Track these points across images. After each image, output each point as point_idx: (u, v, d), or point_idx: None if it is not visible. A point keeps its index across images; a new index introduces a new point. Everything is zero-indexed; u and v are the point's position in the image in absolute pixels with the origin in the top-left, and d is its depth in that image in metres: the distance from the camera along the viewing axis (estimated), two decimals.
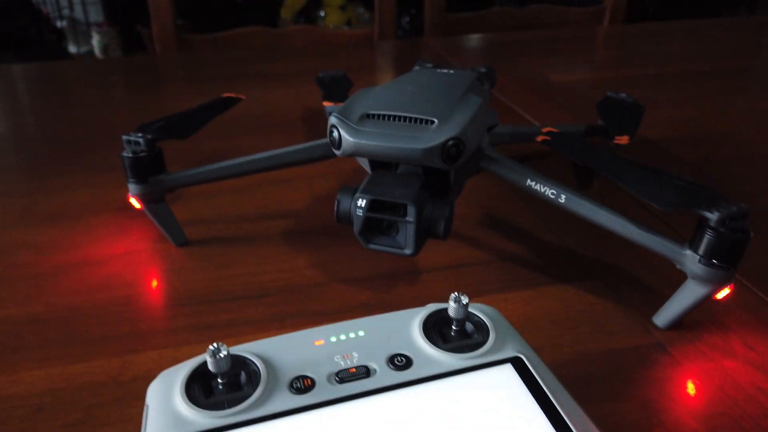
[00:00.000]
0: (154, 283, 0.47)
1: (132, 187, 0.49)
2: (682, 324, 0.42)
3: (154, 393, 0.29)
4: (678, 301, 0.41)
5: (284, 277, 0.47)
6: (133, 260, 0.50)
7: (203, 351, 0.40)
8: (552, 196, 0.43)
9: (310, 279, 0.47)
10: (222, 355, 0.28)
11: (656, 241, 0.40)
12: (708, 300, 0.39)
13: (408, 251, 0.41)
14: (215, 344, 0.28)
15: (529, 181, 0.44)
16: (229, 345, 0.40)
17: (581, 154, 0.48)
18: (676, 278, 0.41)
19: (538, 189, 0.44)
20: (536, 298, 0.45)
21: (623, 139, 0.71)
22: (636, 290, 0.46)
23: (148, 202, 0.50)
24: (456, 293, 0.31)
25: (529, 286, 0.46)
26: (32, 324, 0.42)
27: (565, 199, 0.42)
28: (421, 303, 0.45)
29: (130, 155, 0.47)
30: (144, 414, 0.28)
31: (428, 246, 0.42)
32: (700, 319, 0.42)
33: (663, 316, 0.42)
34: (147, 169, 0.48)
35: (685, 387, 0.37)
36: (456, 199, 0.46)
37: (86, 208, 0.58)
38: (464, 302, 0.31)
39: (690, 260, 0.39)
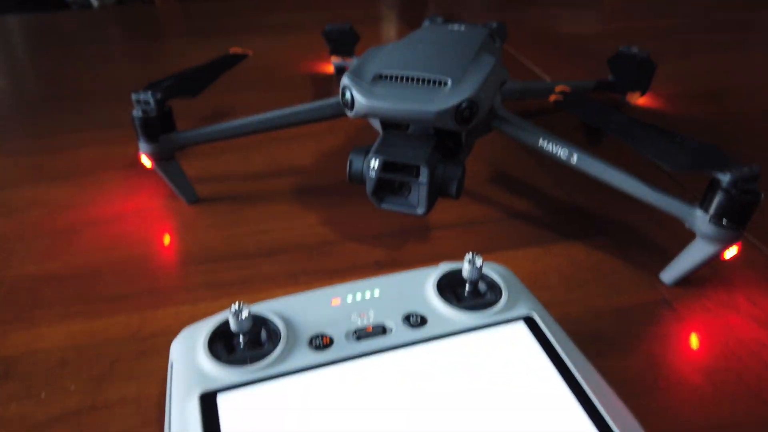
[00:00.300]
0: (168, 241, 0.48)
1: (143, 145, 0.49)
2: (688, 281, 0.43)
3: (177, 350, 0.30)
4: (685, 259, 0.42)
5: (296, 234, 0.48)
6: (146, 218, 0.50)
7: (220, 307, 0.41)
8: (564, 157, 0.43)
9: (322, 237, 0.47)
10: (244, 316, 0.29)
11: (666, 201, 0.40)
12: (715, 259, 0.40)
13: (420, 211, 0.41)
14: (237, 304, 0.29)
15: (541, 140, 0.44)
16: (245, 301, 0.42)
17: (594, 116, 0.48)
18: (685, 237, 0.41)
19: (550, 149, 0.44)
20: (545, 256, 0.46)
21: (635, 96, 0.71)
22: (644, 248, 0.47)
23: (158, 160, 0.50)
24: (470, 254, 0.32)
25: (538, 244, 0.47)
26: (51, 281, 0.43)
27: (576, 159, 0.42)
28: (433, 261, 0.45)
29: (141, 115, 0.47)
30: (169, 370, 0.29)
31: (439, 204, 0.42)
32: (707, 276, 0.43)
33: (670, 273, 0.43)
34: (157, 128, 0.48)
35: (690, 342, 0.38)
36: (467, 158, 0.46)
37: (97, 166, 0.58)
38: (478, 264, 0.32)
39: (700, 220, 0.39)
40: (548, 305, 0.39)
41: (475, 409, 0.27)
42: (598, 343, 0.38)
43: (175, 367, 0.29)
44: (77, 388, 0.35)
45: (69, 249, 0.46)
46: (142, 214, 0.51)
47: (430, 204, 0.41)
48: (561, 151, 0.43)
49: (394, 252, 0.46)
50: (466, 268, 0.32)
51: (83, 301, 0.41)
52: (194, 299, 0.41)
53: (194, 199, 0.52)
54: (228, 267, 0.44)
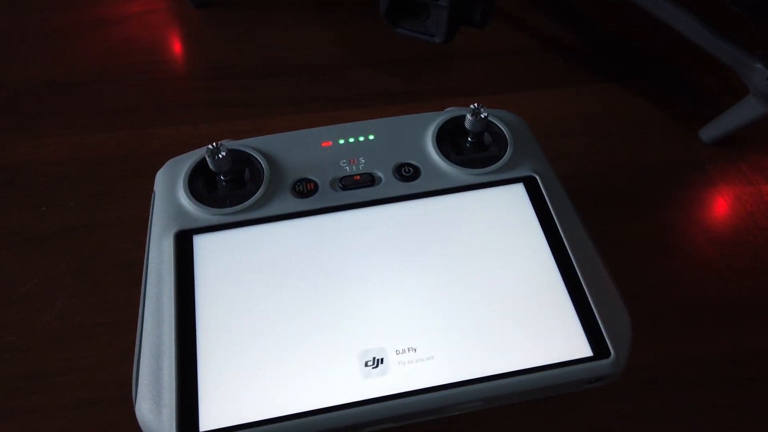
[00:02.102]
0: (172, 51, 0.45)
1: None
2: (729, 141, 0.38)
3: (160, 182, 0.29)
4: (732, 116, 0.37)
5: (306, 54, 0.44)
6: (151, 21, 0.47)
7: (220, 132, 0.39)
8: None
9: (333, 58, 0.44)
10: (221, 156, 0.27)
11: (724, 48, 0.34)
12: (765, 120, 0.35)
13: (438, 39, 0.37)
14: (214, 144, 0.27)
15: None
16: (245, 126, 0.40)
17: None
18: (737, 92, 0.36)
19: None
20: (575, 98, 0.41)
21: None
22: (688, 98, 0.42)
23: None
24: (475, 105, 0.29)
25: (569, 83, 0.42)
26: (52, 89, 0.42)
27: None
28: (450, 95, 0.42)
29: None
30: (152, 201, 0.29)
31: (466, 28, 0.37)
32: (751, 139, 0.39)
33: (711, 130, 0.38)
34: None
35: (713, 210, 0.36)
36: None
37: None
38: (482, 116, 0.29)
39: (759, 75, 0.34)
40: (566, 156, 0.36)
41: (450, 268, 0.26)
42: (612, 202, 0.36)
43: (156, 200, 0.29)
44: (76, 204, 0.35)
45: (71, 53, 0.44)
46: (147, 17, 0.47)
47: (451, 32, 0.37)
48: None
49: (408, 81, 0.42)
50: (468, 120, 0.29)
51: (84, 113, 0.40)
52: (194, 119, 0.40)
53: (202, 3, 0.48)
54: (231, 86, 0.42)
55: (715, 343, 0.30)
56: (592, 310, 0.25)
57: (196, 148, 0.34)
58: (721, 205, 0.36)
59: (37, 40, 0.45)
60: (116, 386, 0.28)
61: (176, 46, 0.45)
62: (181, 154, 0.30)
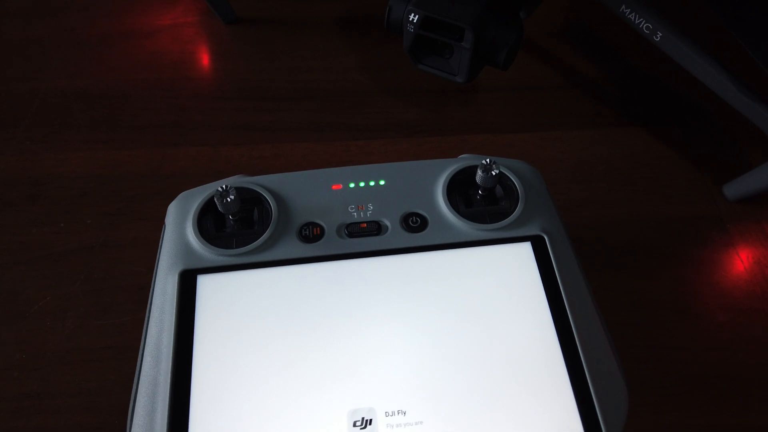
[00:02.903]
0: (200, 67, 0.45)
1: None
2: (754, 199, 0.37)
3: (172, 215, 0.30)
4: (760, 175, 0.36)
5: (331, 78, 0.44)
6: (181, 35, 0.47)
7: (240, 155, 0.40)
8: (647, 31, 0.35)
9: (356, 85, 0.44)
10: (229, 199, 0.27)
11: (755, 109, 0.33)
12: None
13: (460, 79, 0.36)
14: (223, 186, 0.27)
15: (623, 7, 0.36)
16: (264, 152, 0.40)
17: None
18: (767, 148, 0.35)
19: (632, 19, 0.36)
20: (598, 141, 0.41)
21: None
22: (715, 149, 0.40)
23: None
24: (487, 160, 0.28)
25: (594, 125, 0.42)
26: (80, 100, 0.43)
27: (661, 37, 0.35)
28: (471, 129, 0.41)
29: None
30: (162, 233, 0.29)
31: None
32: None
33: (736, 188, 0.37)
34: None
35: (729, 273, 0.35)
36: (533, 13, 0.39)
37: None
38: (494, 172, 0.28)
39: None
40: (585, 203, 0.36)
41: (449, 328, 0.26)
42: (626, 255, 0.35)
43: (165, 235, 0.29)
44: (93, 222, 0.36)
45: (101, 64, 0.45)
46: (176, 30, 0.48)
47: (473, 72, 0.36)
48: (645, 24, 0.36)
49: (429, 113, 0.42)
50: (479, 176, 0.29)
51: (109, 127, 0.41)
52: (217, 140, 0.40)
53: (232, 19, 0.48)
54: (255, 108, 0.42)
55: (718, 417, 0.29)
56: (588, 387, 0.24)
57: (216, 170, 0.34)
58: (738, 268, 0.35)
59: (70, 49, 0.46)
60: (118, 413, 0.29)
61: (203, 62, 0.46)
62: (201, 176, 0.31)
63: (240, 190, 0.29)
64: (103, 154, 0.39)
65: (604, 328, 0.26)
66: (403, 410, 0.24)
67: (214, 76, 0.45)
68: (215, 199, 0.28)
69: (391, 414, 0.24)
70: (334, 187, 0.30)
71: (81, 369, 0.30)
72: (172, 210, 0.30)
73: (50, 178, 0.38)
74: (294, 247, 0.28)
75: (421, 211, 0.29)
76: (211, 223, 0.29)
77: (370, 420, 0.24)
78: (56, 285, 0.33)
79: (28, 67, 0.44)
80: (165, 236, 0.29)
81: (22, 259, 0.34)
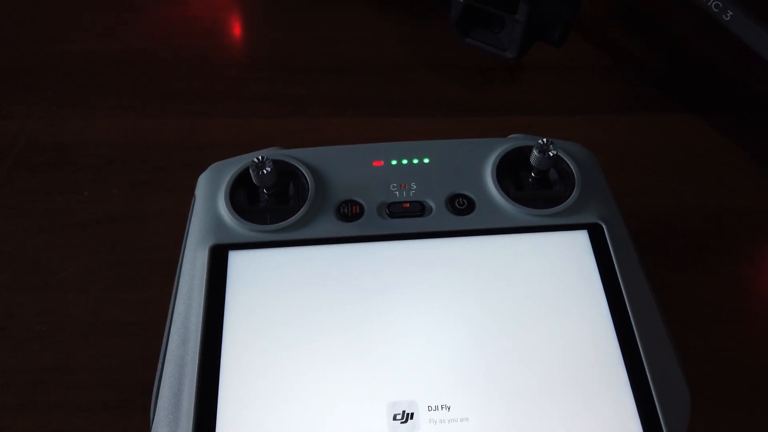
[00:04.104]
0: (233, 36, 0.44)
1: None
2: None
3: (202, 187, 0.28)
4: None
5: (368, 51, 0.42)
6: (214, 1, 0.45)
7: (271, 130, 0.38)
8: (715, 10, 0.33)
9: (395, 58, 0.41)
10: (266, 171, 0.26)
11: None
12: None
13: (510, 54, 0.34)
14: (259, 157, 0.26)
15: None
16: (298, 126, 0.38)
17: None
18: None
19: None
20: (652, 126, 0.38)
21: None
22: None
23: None
24: (543, 140, 0.26)
25: (652, 109, 0.39)
26: (109, 64, 0.41)
27: (731, 17, 0.32)
28: (517, 110, 0.39)
29: None
30: (191, 205, 0.28)
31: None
32: None
33: None
34: None
35: None
36: None
37: None
38: (551, 153, 0.26)
39: None
40: (632, 192, 0.33)
41: (497, 319, 0.24)
42: (681, 251, 0.33)
43: (195, 207, 0.27)
44: (119, 192, 0.34)
45: (132, 28, 0.43)
46: None
47: (525, 48, 0.34)
48: (714, 1, 0.33)
49: (472, 92, 0.40)
50: (535, 156, 0.26)
51: (138, 94, 0.39)
52: (247, 113, 0.39)
53: None
54: (288, 80, 0.40)
55: None
56: (649, 387, 0.22)
57: (246, 143, 0.33)
58: None
59: (101, 12, 0.44)
60: (141, 392, 0.28)
61: (236, 30, 0.44)
62: (230, 149, 0.29)
63: (276, 163, 0.27)
64: (131, 123, 0.38)
65: (665, 326, 0.24)
66: (447, 405, 0.22)
67: (246, 46, 0.43)
68: (251, 171, 0.26)
69: (434, 408, 0.22)
70: (375, 163, 0.28)
71: (104, 344, 0.29)
72: (203, 181, 0.28)
73: (77, 144, 0.37)
74: (331, 225, 0.26)
75: (468, 193, 0.27)
76: (245, 197, 0.27)
77: (412, 414, 0.22)
78: (80, 255, 0.32)
79: (58, 31, 0.43)
80: (195, 209, 0.27)
81: (45, 226, 0.33)
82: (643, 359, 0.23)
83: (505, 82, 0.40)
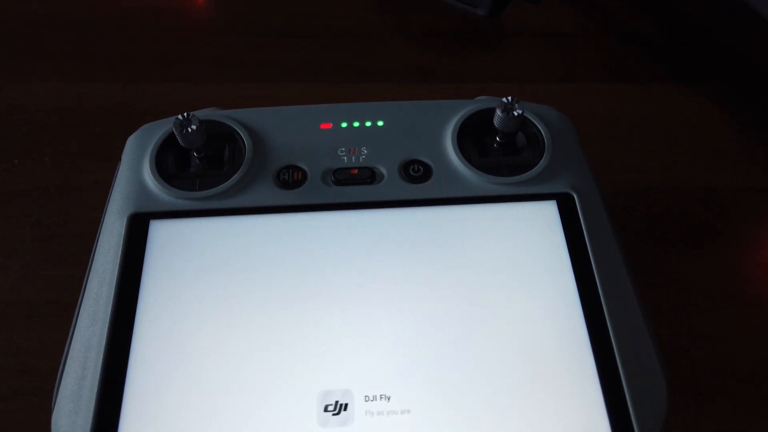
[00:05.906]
0: None
1: None
2: None
3: (129, 150, 0.25)
4: None
5: (334, 16, 0.39)
6: None
7: (223, 94, 0.35)
8: None
9: (364, 25, 0.38)
10: (191, 129, 0.23)
11: None
12: None
13: (482, 12, 0.31)
14: (184, 114, 0.23)
15: None
16: (253, 92, 0.35)
17: None
18: None
19: None
20: (641, 97, 0.35)
21: None
22: None
23: None
24: (508, 98, 0.23)
25: (635, 78, 0.36)
26: (51, 25, 0.38)
27: None
28: (491, 77, 0.36)
29: None
30: (116, 169, 0.25)
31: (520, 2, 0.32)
32: None
33: None
34: None
35: None
36: None
37: None
38: (515, 113, 0.23)
39: None
40: (619, 166, 0.30)
41: (450, 301, 0.21)
42: (669, 230, 0.30)
43: (120, 172, 0.24)
44: (51, 161, 0.31)
45: None
46: None
47: (499, 4, 0.31)
48: None
49: (444, 58, 0.37)
50: (498, 116, 0.23)
51: (80, 57, 0.36)
52: (198, 77, 0.35)
53: None
54: (246, 43, 0.37)
55: (763, 423, 0.24)
56: (619, 376, 0.20)
57: (196, 109, 0.30)
58: None
59: None
60: (56, 378, 0.25)
61: None
62: (173, 115, 0.26)
63: (209, 124, 0.24)
64: (71, 87, 0.35)
65: (642, 309, 0.21)
66: (387, 395, 0.19)
67: (202, 6, 0.40)
68: (174, 129, 0.23)
69: (371, 399, 0.19)
70: (322, 126, 0.25)
71: (20, 326, 0.26)
72: (131, 144, 0.25)
73: (10, 110, 0.34)
74: (269, 193, 0.23)
75: (424, 159, 0.24)
76: (173, 162, 0.24)
77: (345, 405, 0.19)
78: (3, 229, 0.29)
79: None
80: (119, 174, 0.24)
81: None
82: (614, 345, 0.20)
83: (481, 49, 0.37)
